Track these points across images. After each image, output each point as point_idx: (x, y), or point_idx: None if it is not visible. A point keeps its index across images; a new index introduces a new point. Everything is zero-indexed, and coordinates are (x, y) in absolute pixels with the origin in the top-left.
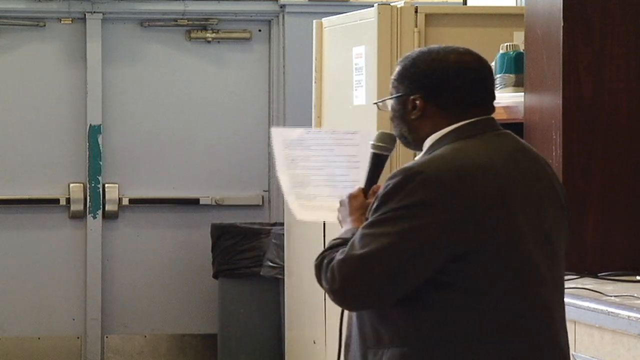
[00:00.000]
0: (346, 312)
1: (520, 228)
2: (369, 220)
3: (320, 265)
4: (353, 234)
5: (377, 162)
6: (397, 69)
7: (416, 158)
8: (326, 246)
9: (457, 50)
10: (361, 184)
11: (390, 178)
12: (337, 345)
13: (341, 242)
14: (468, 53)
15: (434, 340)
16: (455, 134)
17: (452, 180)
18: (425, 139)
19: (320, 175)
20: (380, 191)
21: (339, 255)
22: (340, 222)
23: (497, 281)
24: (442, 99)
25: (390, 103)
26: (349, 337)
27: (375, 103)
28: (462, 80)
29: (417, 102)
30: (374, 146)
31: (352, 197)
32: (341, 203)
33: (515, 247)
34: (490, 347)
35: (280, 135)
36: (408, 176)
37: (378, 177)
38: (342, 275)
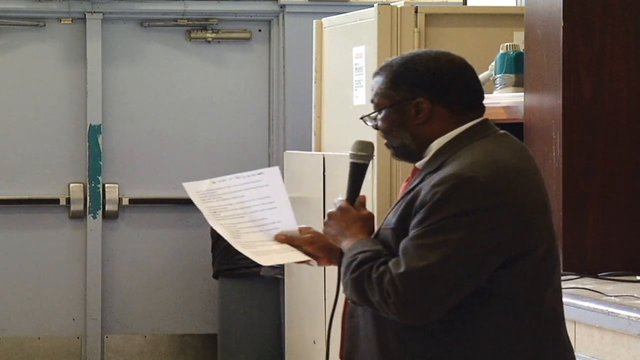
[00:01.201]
0: (336, 323)
1: (553, 229)
2: (420, 229)
3: (363, 279)
4: (367, 246)
5: (358, 173)
6: (381, 78)
7: (424, 161)
8: (352, 259)
9: (441, 52)
10: (338, 198)
11: (437, 185)
12: (325, 351)
13: (373, 255)
14: (451, 54)
15: (475, 350)
16: (468, 135)
17: (503, 184)
18: (429, 144)
19: (244, 222)
20: (426, 198)
21: (394, 269)
22: (333, 236)
23: (537, 286)
24: (448, 99)
25: (382, 114)
26: (352, 351)
27: (362, 118)
28: (463, 79)
29: (423, 105)
30: (354, 156)
31: (342, 209)
32: (330, 217)
33: (553, 249)
34: (530, 353)
35: (192, 189)
36: (460, 182)
37: (360, 187)
38: (407, 289)
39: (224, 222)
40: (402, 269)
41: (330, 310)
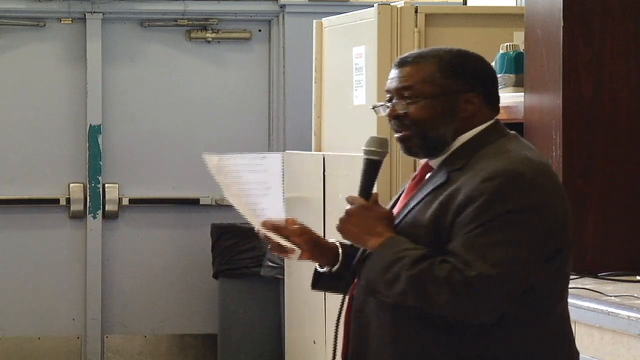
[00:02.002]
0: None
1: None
2: (478, 226)
3: (424, 277)
4: (407, 244)
5: (373, 169)
6: (430, 66)
7: (441, 158)
8: (399, 256)
9: (471, 51)
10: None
11: (486, 180)
12: (332, 351)
13: (423, 253)
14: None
15: (504, 349)
16: (488, 134)
17: (546, 180)
18: (454, 139)
19: (241, 203)
20: (473, 194)
21: (465, 269)
22: (355, 234)
23: (564, 284)
24: (491, 96)
25: (421, 103)
26: (360, 351)
27: (375, 107)
28: (495, 78)
29: (475, 99)
30: (369, 152)
31: (365, 207)
32: (351, 214)
33: (574, 244)
34: (558, 353)
35: (209, 161)
36: (511, 178)
37: (374, 184)
38: (482, 290)
39: (231, 199)
40: (475, 271)
41: (338, 310)
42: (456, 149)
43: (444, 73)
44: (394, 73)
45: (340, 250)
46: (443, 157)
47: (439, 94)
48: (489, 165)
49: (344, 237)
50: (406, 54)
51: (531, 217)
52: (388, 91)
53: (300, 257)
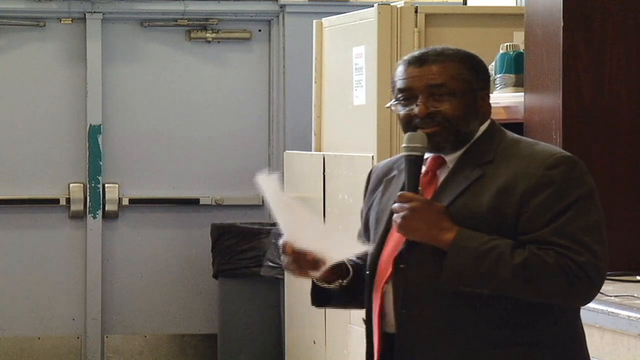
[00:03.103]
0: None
1: None
2: (561, 211)
3: (535, 264)
4: (484, 235)
5: (415, 165)
6: (457, 64)
7: (458, 153)
8: (492, 246)
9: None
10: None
11: (551, 167)
12: (366, 342)
13: (508, 242)
14: None
15: (560, 335)
16: (497, 128)
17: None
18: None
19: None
20: (541, 182)
21: (574, 255)
22: (424, 230)
23: None
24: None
25: (456, 99)
26: (404, 335)
27: (430, 94)
28: None
29: (486, 97)
30: (411, 148)
31: (428, 203)
32: (415, 211)
33: None
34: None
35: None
36: (572, 164)
37: (419, 180)
38: (596, 273)
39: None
40: (583, 257)
41: (375, 312)
42: (472, 144)
43: (469, 71)
44: (415, 71)
45: (348, 264)
46: (459, 152)
47: (468, 91)
48: (536, 154)
49: (409, 235)
50: (418, 53)
51: (597, 200)
52: (407, 89)
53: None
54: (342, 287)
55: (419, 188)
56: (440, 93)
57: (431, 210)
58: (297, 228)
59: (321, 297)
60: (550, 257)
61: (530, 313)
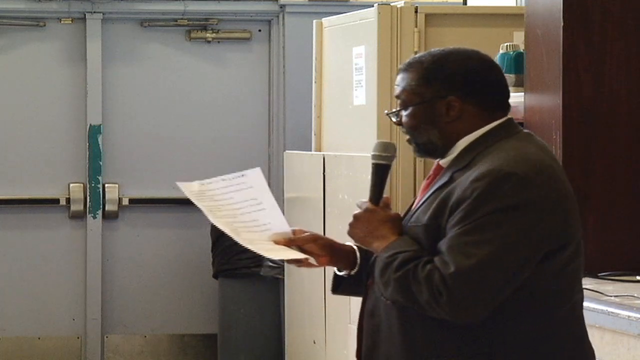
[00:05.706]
0: (339, 323)
1: (580, 226)
2: (463, 225)
3: (409, 278)
4: (405, 246)
5: (381, 174)
6: (410, 74)
7: (449, 158)
8: (391, 259)
9: (471, 50)
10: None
11: (476, 180)
12: (356, 352)
13: (413, 255)
14: (481, 53)
15: (509, 349)
16: (496, 133)
17: (541, 179)
18: (456, 141)
19: (238, 223)
20: (464, 194)
21: (443, 268)
22: (361, 238)
23: (571, 282)
24: (479, 98)
25: (408, 111)
26: (372, 351)
27: (388, 114)
28: (493, 78)
29: (454, 103)
30: (376, 157)
31: (369, 211)
32: (357, 218)
33: (581, 246)
34: (564, 353)
35: (186, 189)
36: (500, 177)
37: (383, 188)
38: (458, 288)
39: (222, 220)
40: (452, 269)
41: (359, 309)
42: (463, 150)
43: (421, 81)
44: (396, 80)
45: (357, 254)
46: (451, 157)
47: (418, 103)
48: (483, 165)
49: (354, 241)
50: (408, 59)
51: (518, 215)
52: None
53: (320, 263)
54: (350, 276)
55: (385, 196)
56: (400, 104)
57: (373, 218)
58: (217, 214)
59: (337, 284)
60: (423, 270)
61: (486, 324)
